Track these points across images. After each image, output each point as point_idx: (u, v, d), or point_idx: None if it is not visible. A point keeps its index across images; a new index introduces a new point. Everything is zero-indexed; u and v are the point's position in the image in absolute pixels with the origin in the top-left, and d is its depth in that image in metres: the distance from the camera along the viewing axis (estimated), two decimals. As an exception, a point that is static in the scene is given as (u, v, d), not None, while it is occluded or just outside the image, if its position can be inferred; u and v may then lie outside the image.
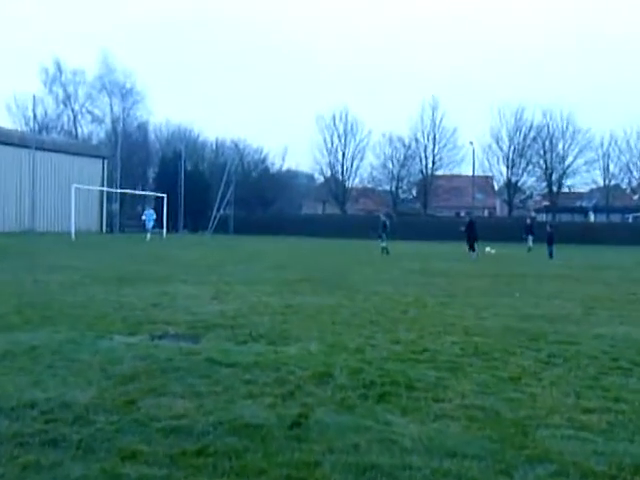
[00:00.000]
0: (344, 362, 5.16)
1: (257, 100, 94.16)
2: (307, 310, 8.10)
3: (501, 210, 61.53)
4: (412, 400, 4.16)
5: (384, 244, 22.73)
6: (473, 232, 22.50)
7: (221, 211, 54.98)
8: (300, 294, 9.92)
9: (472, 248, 22.07)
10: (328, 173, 59.36)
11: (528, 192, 56.94)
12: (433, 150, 55.77)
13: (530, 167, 54.66)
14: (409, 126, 56.11)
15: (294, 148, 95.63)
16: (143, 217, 32.43)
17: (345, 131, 57.81)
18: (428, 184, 55.35)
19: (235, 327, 6.67)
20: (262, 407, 3.94)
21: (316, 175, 62.73)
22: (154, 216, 33.05)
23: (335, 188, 57.87)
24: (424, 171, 56.28)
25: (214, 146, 66.85)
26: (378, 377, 4.69)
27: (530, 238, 28.84)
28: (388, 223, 23.07)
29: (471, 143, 52.35)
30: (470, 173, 53.24)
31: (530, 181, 55.74)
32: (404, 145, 56.52)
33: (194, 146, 63.87)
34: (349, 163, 58.10)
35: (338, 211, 57.97)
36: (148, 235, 31.44)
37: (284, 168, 68.07)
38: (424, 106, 56.64)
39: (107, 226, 47.12)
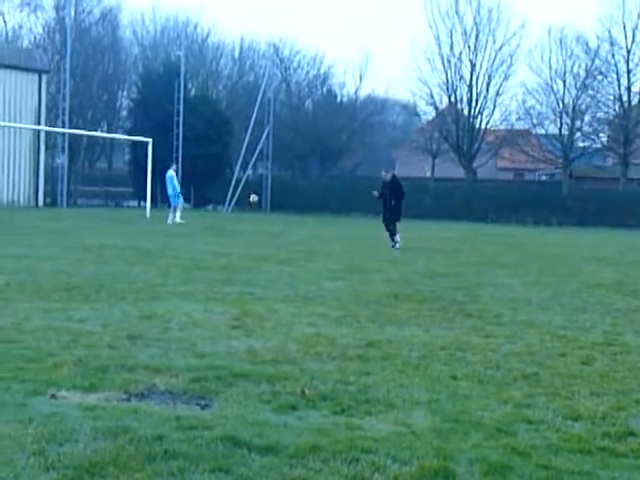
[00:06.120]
0: (476, 452, 5.11)
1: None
2: (405, 352, 8.11)
3: None
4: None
5: None
6: (397, 200, 23.08)
7: (249, 171, 55.71)
8: (392, 322, 9.96)
9: (393, 230, 22.92)
10: (443, 102, 59.00)
11: None
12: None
13: None
14: (597, 15, 54.33)
15: (381, 59, 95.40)
16: (178, 186, 33.29)
17: (477, 23, 57.14)
18: (631, 123, 53.99)
19: (274, 380, 6.73)
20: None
21: (421, 107, 62.40)
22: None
23: (457, 130, 57.42)
24: (624, 98, 54.93)
25: (236, 53, 67.79)
26: (543, 484, 4.64)
27: None
28: None
29: None
30: None
31: None
32: (587, 50, 55.37)
33: (201, 53, 64.93)
34: (483, 83, 57.45)
35: (460, 173, 57.53)
36: (174, 216, 32.28)
37: (362, 94, 68.20)
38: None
39: (47, 195, 48.72)
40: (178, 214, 32.19)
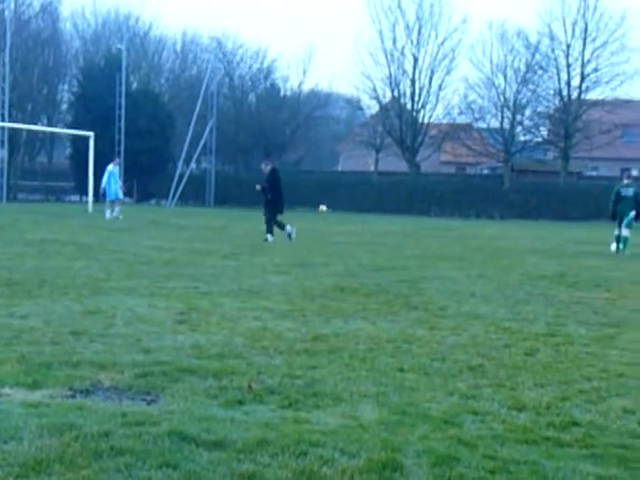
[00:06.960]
0: (423, 443, 5.15)
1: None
2: (352, 345, 8.14)
3: None
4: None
5: None
6: (273, 193, 23.14)
7: (192, 165, 55.44)
8: (338, 315, 9.99)
9: (276, 224, 23.00)
10: (386, 96, 59.25)
11: None
12: (582, 54, 55.08)
13: None
14: (537, 10, 54.96)
15: (325, 53, 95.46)
16: (104, 181, 33.23)
17: (420, 17, 57.59)
18: (571, 117, 54.75)
19: (221, 375, 6.72)
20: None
21: (365, 101, 62.67)
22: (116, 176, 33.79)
23: (400, 124, 57.72)
24: (564, 92, 55.68)
25: (178, 46, 67.42)
26: (488, 474, 4.66)
27: None
28: None
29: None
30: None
31: None
32: (528, 44, 56.03)
33: (143, 47, 64.42)
34: (426, 78, 57.88)
35: (404, 167, 57.86)
36: (111, 210, 32.38)
37: (305, 88, 68.23)
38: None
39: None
40: (110, 209, 32.35)
